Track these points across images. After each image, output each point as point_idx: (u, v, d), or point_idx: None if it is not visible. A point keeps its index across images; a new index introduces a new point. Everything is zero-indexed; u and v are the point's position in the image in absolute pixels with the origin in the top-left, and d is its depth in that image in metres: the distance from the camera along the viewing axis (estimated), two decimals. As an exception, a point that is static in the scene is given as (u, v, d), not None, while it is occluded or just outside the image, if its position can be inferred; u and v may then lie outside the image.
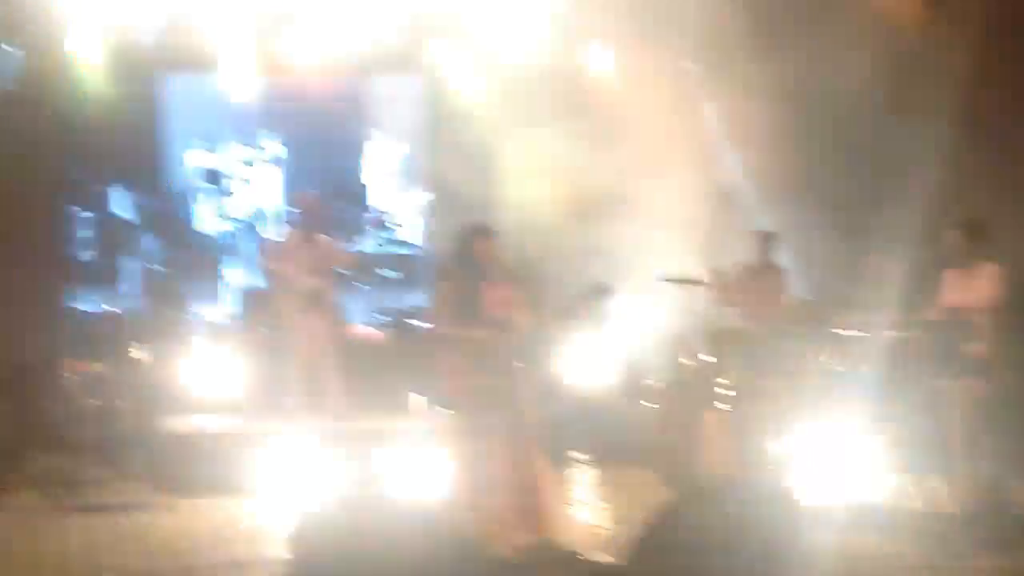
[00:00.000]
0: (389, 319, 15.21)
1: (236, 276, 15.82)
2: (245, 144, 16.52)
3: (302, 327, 11.91)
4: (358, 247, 15.01)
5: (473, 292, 8.01)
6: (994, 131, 12.07)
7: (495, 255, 8.06)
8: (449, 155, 15.19)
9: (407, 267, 16.68)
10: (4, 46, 14.21)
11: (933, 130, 11.82)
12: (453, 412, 10.91)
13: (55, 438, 11.32)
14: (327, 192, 13.69)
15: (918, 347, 9.13)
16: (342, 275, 12.30)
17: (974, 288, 9.26)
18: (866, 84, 12.13)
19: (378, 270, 16.36)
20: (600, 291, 12.24)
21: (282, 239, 12.29)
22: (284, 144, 16.53)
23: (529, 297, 8.14)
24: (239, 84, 15.27)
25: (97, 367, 13.93)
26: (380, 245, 16.42)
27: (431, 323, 8.24)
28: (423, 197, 16.56)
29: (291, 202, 12.44)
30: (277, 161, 16.54)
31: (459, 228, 8.34)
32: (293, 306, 11.90)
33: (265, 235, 15.61)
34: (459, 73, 15.58)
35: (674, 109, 13.89)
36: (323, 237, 12.18)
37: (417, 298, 15.98)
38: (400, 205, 16.83)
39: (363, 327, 13.74)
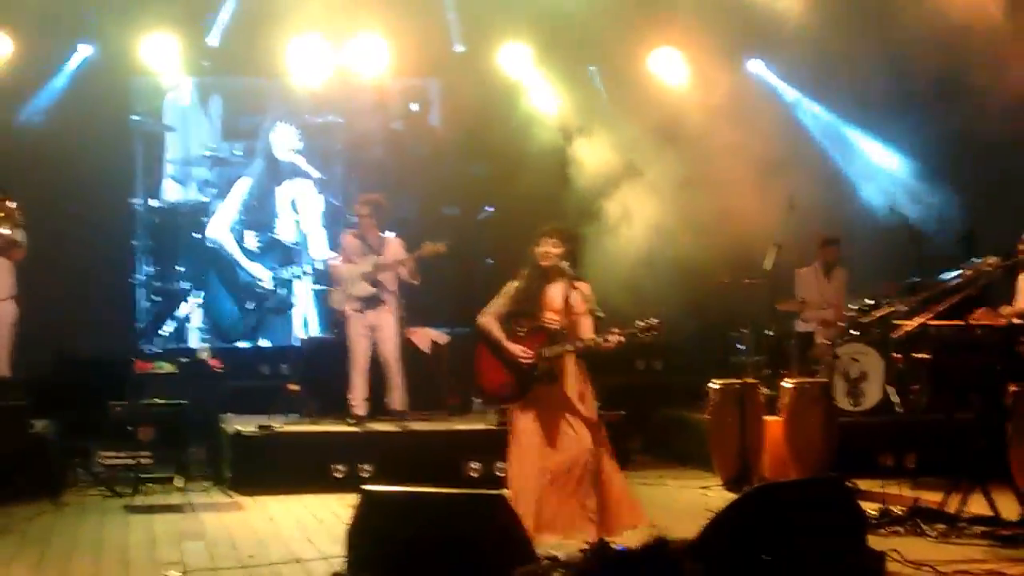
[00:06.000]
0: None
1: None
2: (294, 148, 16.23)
3: (361, 327, 12.01)
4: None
5: (534, 294, 8.02)
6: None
7: (559, 258, 8.01)
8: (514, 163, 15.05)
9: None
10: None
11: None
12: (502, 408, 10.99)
13: (122, 436, 11.40)
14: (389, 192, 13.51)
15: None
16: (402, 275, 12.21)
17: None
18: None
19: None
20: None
21: (345, 239, 12.37)
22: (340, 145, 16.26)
23: (593, 302, 8.05)
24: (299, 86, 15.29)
25: (165, 367, 14.09)
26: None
27: (482, 317, 8.17)
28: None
29: (359, 203, 12.34)
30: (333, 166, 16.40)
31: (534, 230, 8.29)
32: (353, 306, 12.00)
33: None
34: (528, 79, 15.48)
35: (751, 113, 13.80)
36: (389, 236, 12.29)
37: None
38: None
39: (424, 328, 13.59)
